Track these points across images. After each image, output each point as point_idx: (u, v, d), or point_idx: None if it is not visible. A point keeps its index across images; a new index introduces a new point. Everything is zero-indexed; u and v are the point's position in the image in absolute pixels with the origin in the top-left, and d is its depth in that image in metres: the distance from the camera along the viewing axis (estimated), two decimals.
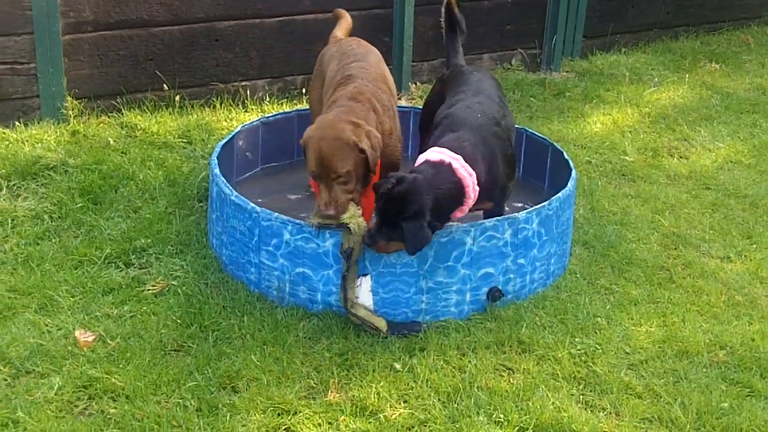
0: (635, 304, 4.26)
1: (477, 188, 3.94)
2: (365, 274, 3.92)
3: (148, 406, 3.39)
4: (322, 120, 3.99)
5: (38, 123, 5.51)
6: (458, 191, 3.89)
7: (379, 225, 3.82)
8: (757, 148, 6.21)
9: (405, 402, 3.52)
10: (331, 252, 3.92)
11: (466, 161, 3.91)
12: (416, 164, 3.98)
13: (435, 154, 3.95)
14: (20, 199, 4.77)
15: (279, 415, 3.42)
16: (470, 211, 4.06)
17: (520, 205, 4.86)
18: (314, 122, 4.29)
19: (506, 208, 4.61)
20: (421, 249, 3.83)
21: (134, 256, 4.36)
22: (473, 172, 3.92)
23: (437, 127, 4.22)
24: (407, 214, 3.74)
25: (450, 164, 3.89)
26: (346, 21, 5.20)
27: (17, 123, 5.47)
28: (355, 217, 3.87)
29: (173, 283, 4.16)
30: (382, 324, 3.91)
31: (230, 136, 4.98)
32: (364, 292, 3.93)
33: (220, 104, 6.09)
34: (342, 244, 3.86)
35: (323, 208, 3.85)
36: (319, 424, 3.38)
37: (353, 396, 3.52)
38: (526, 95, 6.84)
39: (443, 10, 5.03)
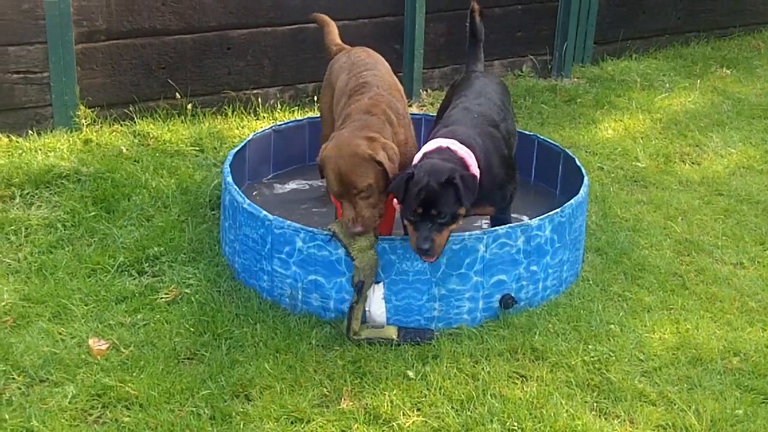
0: (648, 311, 4.25)
1: (478, 170, 3.96)
2: (378, 282, 3.92)
3: (161, 414, 3.39)
4: (337, 138, 3.94)
5: (51, 132, 5.54)
6: (463, 166, 3.91)
7: (422, 221, 3.75)
8: None
9: (418, 410, 3.52)
10: (343, 259, 3.92)
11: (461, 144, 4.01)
12: (414, 161, 3.98)
13: (429, 145, 4.03)
14: (33, 207, 4.79)
15: (292, 423, 3.42)
16: (472, 214, 4.08)
17: (533, 211, 4.86)
18: (328, 137, 4.33)
19: (520, 216, 4.65)
20: (473, 198, 3.81)
21: (147, 264, 4.37)
22: (471, 153, 3.97)
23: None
24: (446, 176, 3.74)
25: (448, 147, 3.96)
26: (333, 25, 5.24)
27: (30, 132, 5.50)
28: (365, 251, 3.85)
29: (186, 291, 4.17)
30: (391, 332, 3.91)
31: (243, 143, 4.99)
32: (376, 299, 3.93)
33: (232, 112, 6.11)
34: (353, 277, 3.86)
35: (351, 226, 3.80)
36: None
37: (366, 404, 3.52)
38: (537, 102, 6.83)
39: (468, 18, 5.03)
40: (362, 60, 4.63)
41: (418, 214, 3.75)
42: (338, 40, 5.12)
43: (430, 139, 4.12)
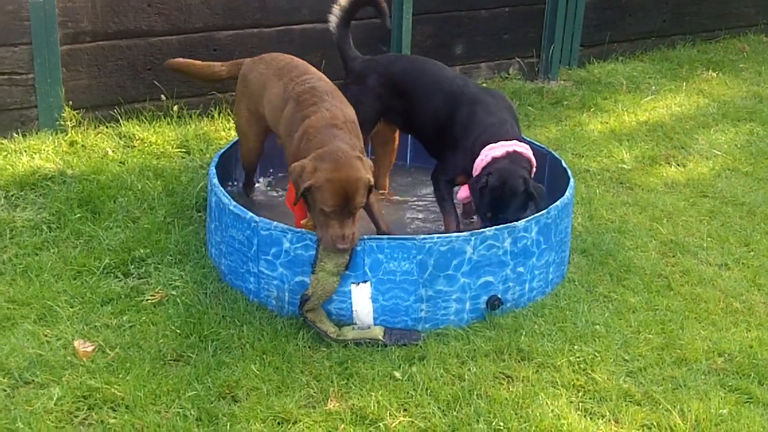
0: (634, 312, 4.27)
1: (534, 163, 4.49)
2: (365, 281, 3.92)
3: (147, 415, 3.39)
4: (334, 159, 3.82)
5: (36, 133, 5.52)
6: (530, 166, 4.46)
7: (490, 221, 4.29)
8: (755, 156, 6.23)
9: (405, 410, 3.52)
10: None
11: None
12: (484, 164, 4.40)
13: (497, 149, 4.40)
14: (19, 209, 4.77)
15: (279, 424, 3.41)
16: None
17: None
18: (252, 154, 4.76)
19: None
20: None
21: (133, 266, 4.36)
22: (528, 147, 4.49)
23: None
24: (521, 185, 4.31)
25: (515, 150, 4.41)
26: (194, 62, 5.11)
27: (15, 134, 5.47)
28: (329, 274, 3.87)
29: (172, 293, 4.16)
30: (376, 333, 3.91)
31: (228, 145, 4.98)
32: (363, 299, 3.94)
33: (219, 114, 6.10)
34: (306, 290, 3.89)
35: (339, 243, 3.78)
36: None
37: (353, 405, 3.52)
38: (523, 104, 6.85)
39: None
40: (289, 63, 4.51)
41: (487, 217, 4.34)
42: (217, 64, 4.98)
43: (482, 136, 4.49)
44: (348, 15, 5.05)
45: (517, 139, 4.47)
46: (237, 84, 4.77)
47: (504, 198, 4.30)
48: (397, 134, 5.14)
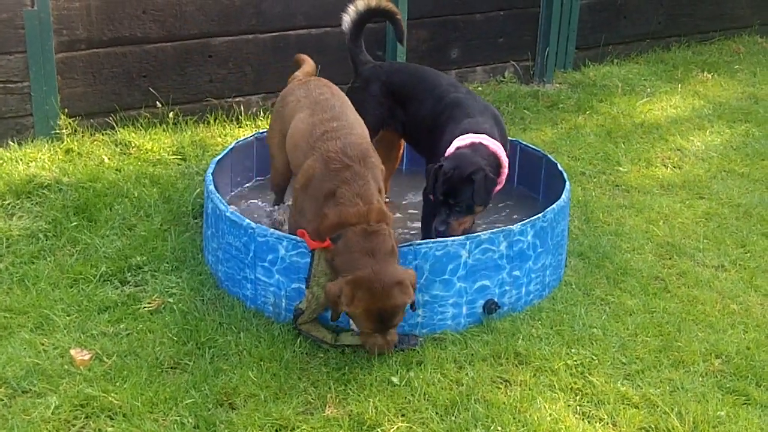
0: (631, 315, 4.27)
1: (507, 161, 4.45)
2: None
3: (145, 424, 3.38)
4: (371, 288, 3.65)
5: (32, 141, 5.52)
6: (496, 161, 4.39)
7: (443, 206, 4.29)
8: (750, 157, 6.23)
9: (403, 416, 3.52)
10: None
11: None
12: (447, 153, 4.36)
13: (462, 139, 4.38)
14: (15, 218, 4.77)
15: (277, 430, 3.42)
16: None
17: (516, 216, 4.89)
18: (280, 179, 4.62)
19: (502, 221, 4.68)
20: (489, 202, 4.38)
21: (130, 274, 4.36)
22: (499, 146, 4.43)
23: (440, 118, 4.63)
24: (470, 170, 4.23)
25: (481, 142, 4.37)
26: (309, 65, 4.98)
27: (11, 142, 5.47)
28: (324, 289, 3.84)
29: (169, 300, 4.16)
30: None
31: (225, 151, 4.98)
32: None
33: (215, 120, 6.10)
34: (297, 304, 3.89)
35: (380, 351, 3.78)
36: None
37: (351, 411, 3.52)
38: (519, 107, 6.85)
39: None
40: (327, 100, 4.29)
41: (439, 201, 4.30)
42: (300, 75, 4.81)
43: (456, 130, 4.46)
44: (362, 20, 5.04)
45: (489, 136, 4.43)
46: (276, 101, 4.65)
47: (454, 183, 4.24)
48: (402, 142, 5.14)
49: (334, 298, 3.71)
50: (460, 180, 4.23)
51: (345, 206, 3.79)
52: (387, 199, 5.14)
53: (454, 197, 4.27)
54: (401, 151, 5.22)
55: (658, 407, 3.63)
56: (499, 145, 4.42)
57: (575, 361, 3.88)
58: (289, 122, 4.32)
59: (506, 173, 4.47)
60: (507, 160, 4.46)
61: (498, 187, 4.45)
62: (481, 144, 4.37)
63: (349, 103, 4.41)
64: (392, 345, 3.80)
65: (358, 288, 3.66)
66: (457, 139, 4.40)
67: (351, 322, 3.86)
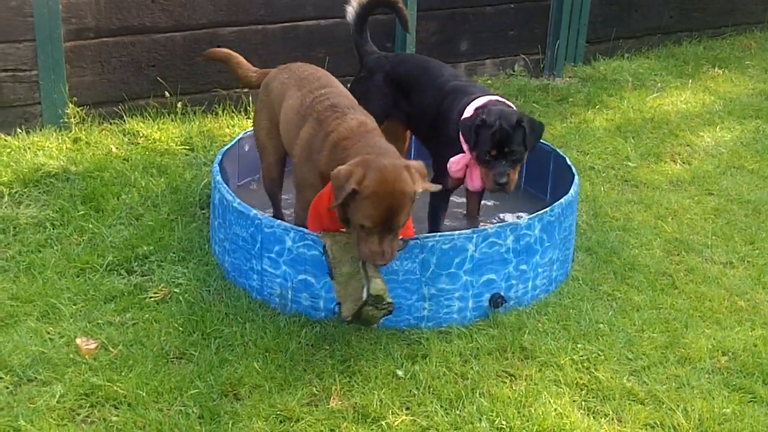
0: (638, 310, 4.25)
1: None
2: None
3: (150, 413, 3.39)
4: (379, 168, 3.58)
5: (40, 130, 5.52)
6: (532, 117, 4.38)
7: (495, 159, 4.20)
8: (760, 153, 6.20)
9: (407, 409, 3.52)
10: None
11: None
12: (467, 114, 4.32)
13: (478, 101, 4.35)
14: (22, 206, 4.78)
15: (281, 422, 3.41)
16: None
17: (524, 215, 4.87)
18: (273, 167, 4.52)
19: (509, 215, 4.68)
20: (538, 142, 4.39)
21: (136, 264, 4.36)
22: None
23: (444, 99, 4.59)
24: (516, 117, 4.20)
25: (498, 99, 4.37)
26: (237, 56, 5.03)
27: (19, 130, 5.48)
28: (349, 278, 3.74)
29: (175, 290, 4.16)
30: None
31: (232, 142, 4.98)
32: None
33: (223, 111, 6.10)
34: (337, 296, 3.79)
35: (377, 260, 3.62)
36: (322, 431, 3.37)
37: (355, 403, 3.52)
38: (528, 101, 6.83)
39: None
40: (311, 74, 4.34)
41: (492, 155, 4.20)
42: (253, 68, 4.90)
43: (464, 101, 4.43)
44: (366, 11, 5.03)
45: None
46: (259, 93, 4.63)
47: (505, 132, 4.17)
48: (408, 133, 5.13)
49: (342, 178, 3.57)
50: (511, 127, 4.17)
51: (341, 128, 3.89)
52: None
53: (509, 145, 4.18)
54: (407, 144, 5.19)
55: (663, 403, 3.62)
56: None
57: (581, 356, 3.87)
58: (278, 107, 4.33)
59: None
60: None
61: None
62: (498, 101, 4.36)
63: (334, 78, 4.42)
64: (389, 256, 3.62)
65: (369, 168, 3.57)
66: (470, 105, 4.37)
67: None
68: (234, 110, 6.14)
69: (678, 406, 3.60)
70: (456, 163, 4.34)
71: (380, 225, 3.59)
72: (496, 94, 4.55)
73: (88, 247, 4.46)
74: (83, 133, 5.55)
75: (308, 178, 4.03)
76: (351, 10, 5.03)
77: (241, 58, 4.99)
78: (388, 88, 4.87)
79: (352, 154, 3.75)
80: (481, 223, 4.81)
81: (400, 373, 3.69)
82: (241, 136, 5.09)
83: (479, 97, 4.41)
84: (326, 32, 6.38)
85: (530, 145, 4.26)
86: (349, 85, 4.68)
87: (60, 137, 5.46)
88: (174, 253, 4.45)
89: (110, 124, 5.73)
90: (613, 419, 3.53)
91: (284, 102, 4.29)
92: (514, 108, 4.39)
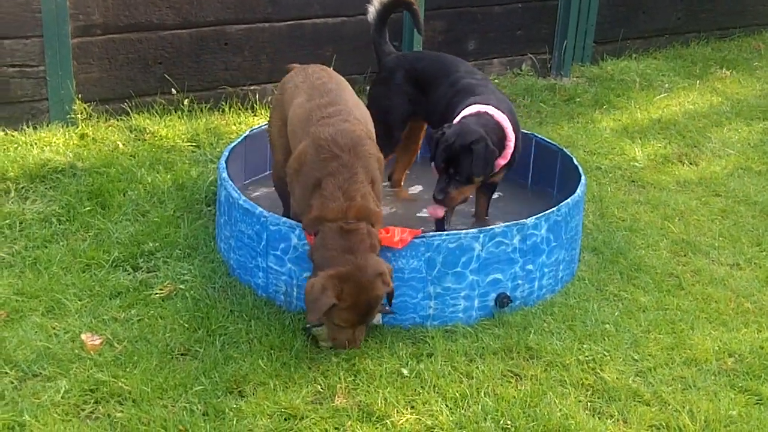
0: (644, 311, 4.24)
1: (513, 135, 4.39)
2: None
3: (154, 410, 3.38)
4: (357, 281, 3.64)
5: (47, 126, 5.52)
6: (501, 132, 4.35)
7: (443, 174, 4.28)
8: None
9: (412, 408, 3.51)
10: None
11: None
12: (454, 122, 4.35)
13: (469, 109, 4.37)
14: (29, 202, 4.78)
15: (286, 419, 3.41)
16: (491, 178, 4.47)
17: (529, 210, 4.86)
18: (281, 164, 4.32)
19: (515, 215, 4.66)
20: (489, 171, 4.32)
21: (142, 260, 4.36)
22: (506, 118, 4.38)
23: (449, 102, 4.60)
24: (471, 139, 4.19)
25: (486, 111, 4.35)
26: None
27: (26, 126, 5.48)
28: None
29: (181, 287, 4.16)
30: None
31: (239, 139, 4.98)
32: None
33: (229, 108, 6.09)
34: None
35: (350, 347, 3.77)
36: (326, 429, 3.37)
37: (360, 401, 3.51)
38: (536, 101, 6.82)
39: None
40: (324, 84, 4.23)
41: (440, 168, 4.29)
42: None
43: (463, 104, 4.45)
44: (386, 11, 5.03)
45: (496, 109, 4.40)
46: (277, 89, 4.61)
47: (454, 152, 4.21)
48: (422, 133, 5.11)
49: (317, 293, 3.63)
50: (461, 149, 4.19)
51: (326, 200, 3.76)
52: (410, 194, 5.15)
53: (454, 166, 4.24)
54: (419, 143, 5.18)
55: (669, 405, 3.61)
56: (505, 117, 4.37)
57: (587, 356, 3.85)
58: (288, 109, 4.28)
59: (512, 147, 4.40)
60: (514, 135, 4.40)
61: (502, 162, 4.40)
62: (486, 113, 4.35)
63: (348, 86, 4.36)
64: (359, 342, 3.79)
65: (344, 282, 3.63)
66: (464, 110, 4.40)
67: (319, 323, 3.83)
68: (241, 107, 6.13)
69: (684, 407, 3.59)
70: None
71: (354, 324, 3.74)
72: (500, 97, 4.56)
73: (94, 243, 4.46)
74: (90, 129, 5.54)
75: (296, 192, 3.99)
76: (372, 10, 5.02)
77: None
78: (408, 85, 4.88)
79: (326, 255, 3.71)
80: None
81: (405, 371, 3.68)
82: (247, 133, 5.08)
83: (476, 103, 4.41)
84: (333, 30, 6.38)
85: (477, 171, 4.24)
86: (368, 88, 4.65)
87: (67, 133, 5.46)
88: (180, 249, 4.45)
89: (117, 120, 5.73)
90: (618, 420, 3.52)
91: (292, 105, 4.24)
92: (499, 119, 4.34)
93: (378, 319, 3.92)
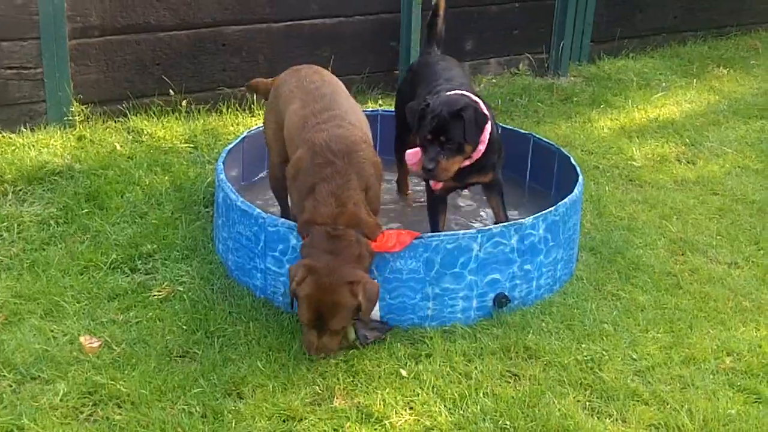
0: (642, 310, 4.24)
1: (491, 116, 4.28)
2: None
3: (153, 412, 3.38)
4: (319, 276, 3.63)
5: (44, 128, 5.52)
6: (479, 108, 4.21)
7: (431, 144, 4.13)
8: (765, 153, 6.18)
9: (411, 408, 3.51)
10: None
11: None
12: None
13: (447, 94, 4.27)
14: (26, 204, 4.78)
15: (284, 421, 3.41)
16: (474, 182, 4.41)
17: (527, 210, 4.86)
18: (277, 165, 4.35)
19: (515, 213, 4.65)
20: (480, 136, 4.17)
21: (140, 262, 4.36)
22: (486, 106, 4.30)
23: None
24: (459, 106, 4.11)
25: (461, 92, 4.27)
26: (261, 81, 4.94)
27: (23, 128, 5.48)
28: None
29: (179, 288, 4.16)
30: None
31: (237, 141, 4.98)
32: None
33: (227, 109, 6.09)
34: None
35: (310, 351, 3.69)
36: (325, 431, 3.37)
37: (359, 402, 3.51)
38: (533, 100, 6.82)
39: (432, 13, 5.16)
40: (318, 89, 4.23)
41: (428, 139, 4.13)
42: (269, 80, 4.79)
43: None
44: (432, 17, 5.18)
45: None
46: (271, 92, 4.59)
47: (443, 119, 4.09)
48: None
49: (290, 275, 3.71)
50: (450, 116, 4.09)
51: (318, 204, 3.78)
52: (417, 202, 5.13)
53: (445, 134, 4.10)
54: None
55: (668, 404, 3.61)
56: (482, 102, 4.29)
57: (585, 356, 3.86)
58: (283, 113, 4.28)
59: (489, 127, 4.24)
60: (490, 117, 4.29)
61: (481, 147, 4.24)
62: (463, 94, 4.26)
63: (342, 89, 4.36)
64: (327, 351, 3.70)
65: (310, 273, 3.65)
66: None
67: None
68: (238, 109, 6.13)
69: (682, 406, 3.59)
70: (412, 155, 4.29)
71: (313, 323, 3.66)
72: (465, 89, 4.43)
73: (92, 245, 4.46)
74: (87, 130, 5.55)
75: (293, 197, 4.04)
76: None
77: (263, 80, 4.94)
78: (407, 87, 4.93)
79: (313, 246, 3.74)
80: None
81: (403, 372, 3.68)
82: (245, 134, 5.08)
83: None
84: (331, 31, 6.38)
85: (470, 136, 4.13)
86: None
87: (64, 135, 5.46)
88: (178, 251, 4.45)
89: (114, 122, 5.73)
90: (617, 419, 3.52)
91: (288, 112, 4.23)
92: (475, 99, 4.27)
93: (352, 338, 3.89)
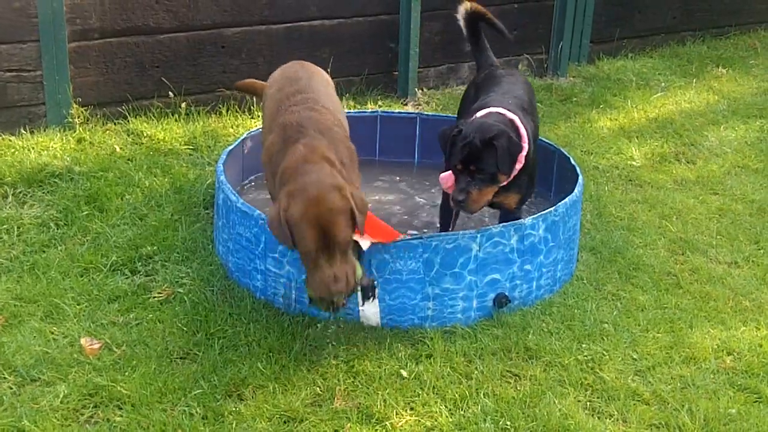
0: (642, 310, 4.24)
1: (527, 139, 4.16)
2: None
3: (153, 413, 3.38)
4: (301, 191, 3.50)
5: (44, 130, 5.52)
6: (516, 132, 4.13)
7: (461, 174, 4.03)
8: (765, 153, 6.19)
9: (411, 409, 3.51)
10: None
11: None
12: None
13: (482, 112, 4.21)
14: (26, 206, 4.78)
15: (285, 422, 3.41)
16: (495, 202, 4.22)
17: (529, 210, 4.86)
18: (288, 195, 3.58)
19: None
20: (514, 166, 4.06)
21: (140, 264, 4.36)
22: (521, 124, 4.18)
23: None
24: (491, 134, 3.98)
25: (499, 112, 4.18)
26: (255, 83, 4.97)
27: (23, 130, 5.48)
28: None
29: (179, 290, 4.16)
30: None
31: (236, 142, 4.98)
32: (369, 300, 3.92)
33: (227, 111, 6.10)
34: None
35: (332, 285, 3.47)
36: (326, 431, 3.38)
37: (359, 403, 3.51)
38: None
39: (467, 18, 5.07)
40: (295, 74, 4.25)
41: (458, 169, 4.04)
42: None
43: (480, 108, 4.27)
44: (470, 26, 5.09)
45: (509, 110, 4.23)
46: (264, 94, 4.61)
47: (475, 148, 3.97)
48: None
49: (275, 221, 3.51)
50: (483, 144, 3.96)
51: (289, 156, 3.67)
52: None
53: (477, 164, 3.98)
54: None
55: (668, 404, 3.61)
56: (517, 117, 4.19)
57: (586, 356, 3.86)
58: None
59: (526, 147, 4.14)
60: (527, 134, 4.19)
61: (518, 165, 4.14)
62: (497, 112, 4.18)
63: (323, 77, 4.34)
64: (344, 280, 3.46)
65: (291, 196, 3.49)
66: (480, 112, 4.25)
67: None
68: (238, 110, 6.14)
69: (683, 406, 3.59)
70: (446, 178, 4.15)
71: (320, 247, 3.47)
72: (504, 105, 4.30)
73: (92, 247, 4.46)
74: (87, 133, 5.55)
75: (269, 181, 3.93)
76: (462, 23, 5.09)
77: (257, 82, 4.95)
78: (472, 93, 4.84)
79: (288, 184, 3.61)
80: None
81: (404, 373, 3.68)
82: (244, 136, 5.08)
83: (486, 108, 4.27)
84: (330, 32, 6.38)
85: (503, 166, 4.01)
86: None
87: (64, 137, 5.47)
88: (178, 253, 4.45)
89: (114, 124, 5.73)
90: (618, 419, 3.53)
91: (267, 99, 4.23)
92: (512, 117, 4.17)
93: (377, 320, 3.92)
